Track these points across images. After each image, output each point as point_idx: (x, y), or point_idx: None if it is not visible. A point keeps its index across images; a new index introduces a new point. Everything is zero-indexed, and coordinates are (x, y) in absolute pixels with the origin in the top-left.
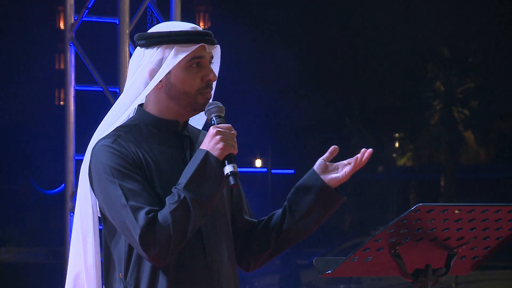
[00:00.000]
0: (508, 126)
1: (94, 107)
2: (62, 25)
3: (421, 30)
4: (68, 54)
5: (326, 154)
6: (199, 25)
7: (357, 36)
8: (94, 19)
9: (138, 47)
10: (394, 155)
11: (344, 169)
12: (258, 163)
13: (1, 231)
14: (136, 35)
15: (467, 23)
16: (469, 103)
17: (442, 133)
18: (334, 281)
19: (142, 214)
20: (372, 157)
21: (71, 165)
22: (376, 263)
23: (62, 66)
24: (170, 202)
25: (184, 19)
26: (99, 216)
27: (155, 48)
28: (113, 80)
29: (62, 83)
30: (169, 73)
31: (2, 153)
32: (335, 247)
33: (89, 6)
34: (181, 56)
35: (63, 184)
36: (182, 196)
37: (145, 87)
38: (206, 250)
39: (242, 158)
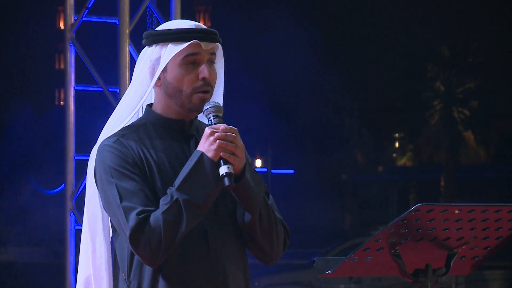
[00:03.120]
0: (508, 126)
1: (94, 107)
2: (62, 25)
3: (421, 30)
4: (68, 54)
5: None
6: None
7: (357, 36)
8: (94, 19)
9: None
10: (394, 155)
11: None
12: (258, 163)
13: (1, 231)
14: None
15: (467, 23)
16: (469, 103)
17: (442, 133)
18: (334, 281)
19: (133, 215)
20: (372, 157)
21: (71, 165)
22: (376, 263)
23: (62, 66)
24: (163, 203)
25: (184, 19)
26: None
27: (153, 46)
28: (113, 80)
29: (62, 83)
30: (166, 71)
31: (2, 153)
32: (335, 247)
33: (89, 6)
34: (173, 53)
35: (63, 184)
36: (174, 197)
37: (147, 84)
38: (211, 249)
39: None
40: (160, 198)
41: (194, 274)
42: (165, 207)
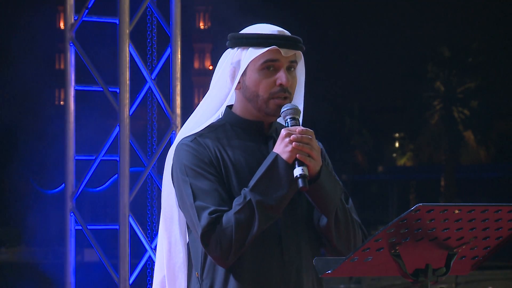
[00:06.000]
0: (508, 126)
1: (94, 107)
2: (62, 25)
3: (421, 30)
4: (68, 54)
5: None
6: (199, 25)
7: (358, 36)
8: (94, 19)
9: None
10: (394, 155)
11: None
12: None
13: (1, 231)
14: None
15: (467, 23)
16: (469, 103)
17: (442, 133)
18: (334, 281)
19: (205, 214)
20: (372, 157)
21: (71, 165)
22: (376, 263)
23: (62, 66)
24: (236, 203)
25: (184, 19)
26: None
27: (235, 49)
28: (113, 80)
29: (62, 83)
30: (245, 74)
31: (2, 153)
32: None
33: (89, 6)
34: (252, 57)
35: (63, 184)
36: (247, 198)
37: (228, 86)
38: (284, 250)
39: None
40: (235, 198)
41: (267, 275)
42: (238, 207)
